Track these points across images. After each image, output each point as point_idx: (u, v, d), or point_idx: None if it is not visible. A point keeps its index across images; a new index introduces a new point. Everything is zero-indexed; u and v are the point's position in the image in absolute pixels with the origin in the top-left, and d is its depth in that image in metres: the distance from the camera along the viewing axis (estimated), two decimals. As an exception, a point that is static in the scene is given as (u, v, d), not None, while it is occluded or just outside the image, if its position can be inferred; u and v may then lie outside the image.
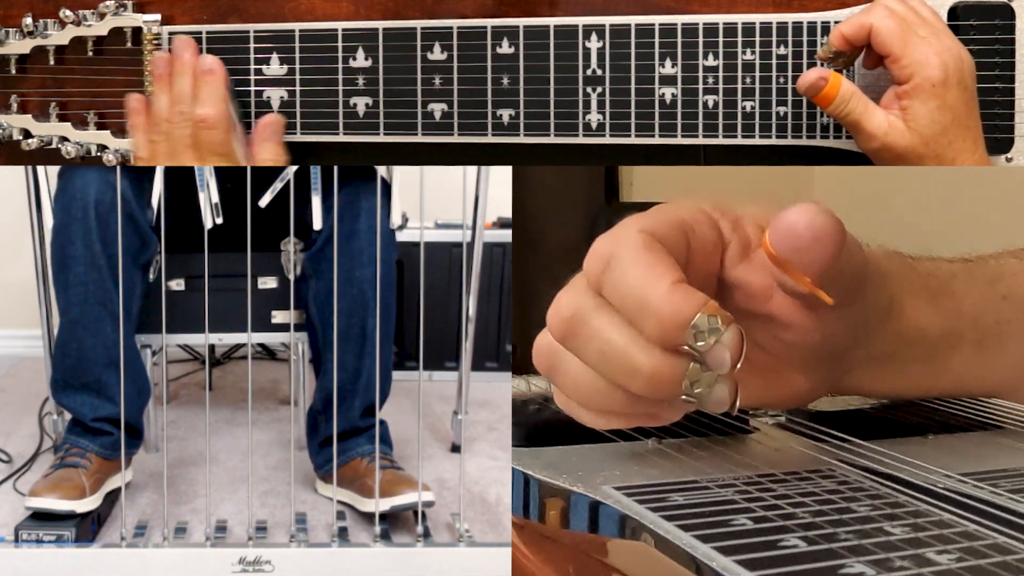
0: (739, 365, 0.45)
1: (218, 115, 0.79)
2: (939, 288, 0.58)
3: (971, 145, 0.74)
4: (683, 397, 0.45)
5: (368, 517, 1.27)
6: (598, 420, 0.49)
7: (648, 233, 0.47)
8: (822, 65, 0.77)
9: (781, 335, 0.52)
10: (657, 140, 0.82)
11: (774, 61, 0.81)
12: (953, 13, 0.80)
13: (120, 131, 0.86)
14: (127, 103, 0.82)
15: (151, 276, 1.38)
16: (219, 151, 0.80)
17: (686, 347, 0.44)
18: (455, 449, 1.64)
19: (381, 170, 1.35)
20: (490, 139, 0.83)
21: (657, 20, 0.81)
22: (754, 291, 0.51)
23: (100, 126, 0.86)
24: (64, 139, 0.85)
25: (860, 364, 0.56)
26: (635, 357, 0.45)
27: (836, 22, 0.79)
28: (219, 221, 1.30)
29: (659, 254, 0.46)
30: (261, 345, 2.17)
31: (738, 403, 0.46)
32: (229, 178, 1.33)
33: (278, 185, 1.29)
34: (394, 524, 1.29)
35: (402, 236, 1.41)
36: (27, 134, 0.86)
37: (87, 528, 1.23)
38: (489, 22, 0.82)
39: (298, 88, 0.84)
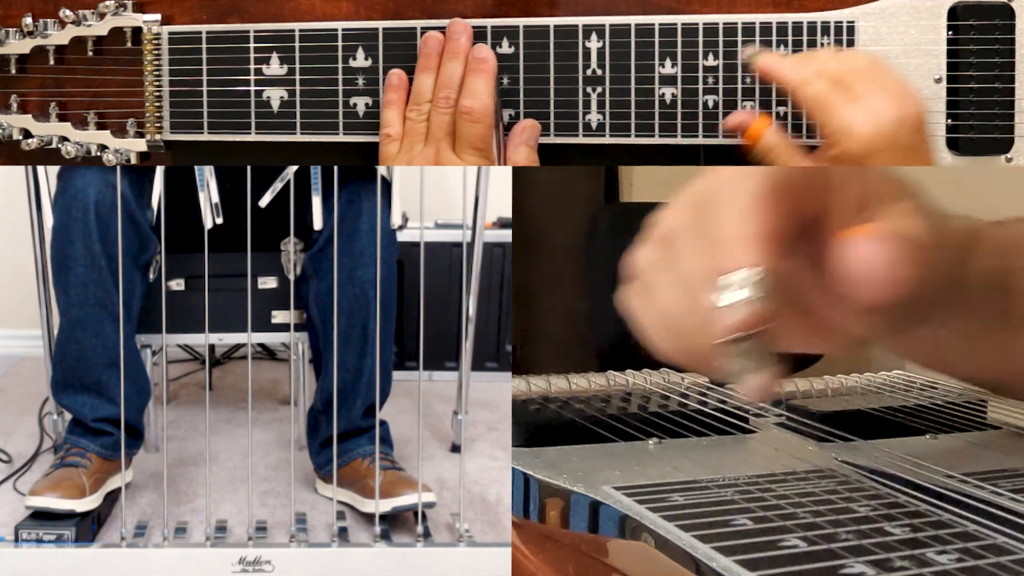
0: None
1: (485, 109, 0.78)
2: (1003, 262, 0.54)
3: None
4: (720, 360, 0.43)
5: (368, 517, 1.27)
6: (667, 345, 0.47)
7: (778, 187, 0.44)
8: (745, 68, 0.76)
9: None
10: (657, 140, 0.82)
11: (774, 61, 0.80)
12: (953, 13, 0.80)
13: (120, 131, 0.86)
14: (388, 78, 0.81)
15: (151, 276, 1.38)
16: (479, 146, 0.78)
17: (713, 297, 0.42)
18: (455, 449, 1.64)
19: (381, 170, 1.35)
20: (490, 139, 0.83)
21: (657, 20, 0.81)
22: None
23: (100, 126, 0.86)
24: (64, 139, 0.85)
25: (938, 337, 0.53)
26: (702, 293, 0.43)
27: (836, 22, 0.79)
28: (219, 221, 1.30)
29: (770, 209, 0.43)
30: (261, 345, 2.17)
31: (772, 398, 0.44)
32: (229, 178, 1.33)
33: (278, 185, 1.29)
34: (394, 524, 1.29)
35: (402, 236, 1.41)
36: (27, 134, 0.86)
37: (87, 528, 1.23)
38: (489, 22, 0.82)
39: (298, 88, 0.84)
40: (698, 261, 0.45)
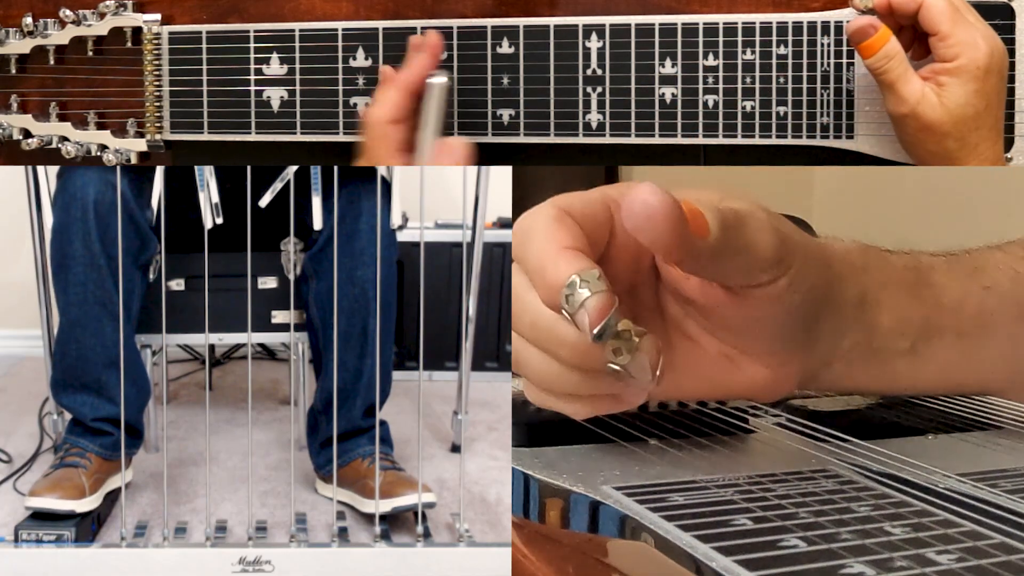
0: (599, 331, 0.44)
1: (366, 117, 0.79)
2: (918, 280, 0.58)
3: (994, 135, 0.74)
4: (609, 366, 0.46)
5: (368, 517, 1.27)
6: (567, 406, 0.50)
7: (561, 208, 0.48)
8: (861, 13, 0.77)
9: (709, 319, 0.52)
10: (657, 140, 0.82)
11: (774, 61, 0.81)
12: (953, 13, 0.80)
13: (120, 131, 0.86)
14: (380, 73, 0.82)
15: (151, 276, 1.37)
16: (361, 151, 0.80)
17: (563, 310, 0.45)
18: (455, 449, 1.64)
19: (381, 170, 1.35)
20: (490, 139, 0.83)
21: (657, 20, 0.81)
22: (673, 275, 0.52)
23: (100, 126, 0.86)
24: (64, 139, 0.85)
25: (837, 359, 0.56)
26: (560, 326, 0.46)
27: (836, 22, 0.79)
28: (219, 221, 1.30)
29: (564, 225, 0.47)
30: (261, 345, 2.17)
31: (659, 372, 0.46)
32: (229, 178, 1.33)
33: (278, 185, 1.29)
34: (394, 524, 1.29)
35: (402, 236, 1.41)
36: (27, 134, 0.86)
37: (87, 528, 1.23)
38: (489, 22, 0.82)
39: (298, 88, 0.84)
40: (536, 302, 0.47)
